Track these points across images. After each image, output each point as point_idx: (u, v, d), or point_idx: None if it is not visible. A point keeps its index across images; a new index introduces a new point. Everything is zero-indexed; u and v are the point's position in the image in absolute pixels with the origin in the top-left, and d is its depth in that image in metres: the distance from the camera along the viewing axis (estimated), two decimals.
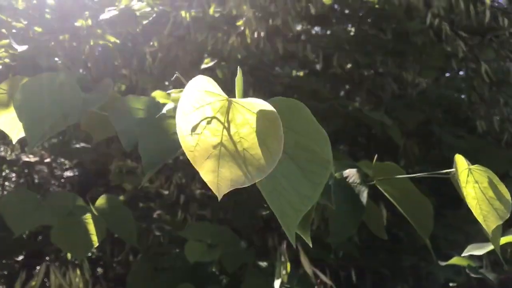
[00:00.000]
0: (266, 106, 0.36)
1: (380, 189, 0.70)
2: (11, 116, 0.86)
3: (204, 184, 1.88)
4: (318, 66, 3.07)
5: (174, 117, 0.69)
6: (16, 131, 0.87)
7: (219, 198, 0.34)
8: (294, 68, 3.51)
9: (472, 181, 0.57)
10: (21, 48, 1.35)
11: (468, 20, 1.78)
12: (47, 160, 2.75)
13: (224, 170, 0.35)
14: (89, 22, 2.05)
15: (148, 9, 1.68)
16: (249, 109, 0.37)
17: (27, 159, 2.25)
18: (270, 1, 2.10)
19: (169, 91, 0.99)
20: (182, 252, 1.86)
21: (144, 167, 0.61)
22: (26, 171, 3.03)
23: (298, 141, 0.42)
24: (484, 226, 0.55)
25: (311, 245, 0.48)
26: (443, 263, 1.16)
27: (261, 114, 0.36)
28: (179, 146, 0.63)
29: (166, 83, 2.34)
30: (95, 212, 0.95)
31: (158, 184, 2.10)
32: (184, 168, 2.28)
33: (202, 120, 0.36)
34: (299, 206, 0.41)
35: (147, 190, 2.15)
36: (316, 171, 0.42)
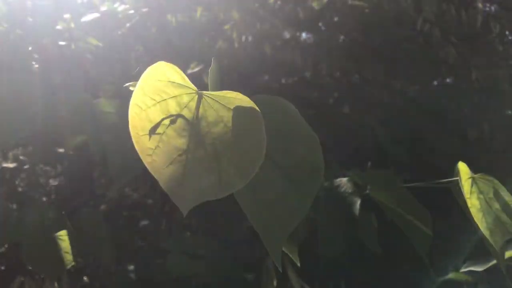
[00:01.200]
0: (245, 101, 0.31)
1: (375, 199, 0.65)
2: None
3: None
4: (307, 74, 3.04)
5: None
6: None
7: (184, 213, 0.28)
8: (282, 76, 3.48)
9: (476, 191, 0.52)
10: None
11: (459, 25, 1.75)
12: (26, 166, 2.66)
13: (192, 179, 0.29)
14: (72, 25, 1.99)
15: (132, 11, 1.62)
16: (224, 104, 0.31)
17: (5, 165, 2.16)
18: (259, 5, 2.06)
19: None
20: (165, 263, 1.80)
21: (114, 179, 0.56)
22: (7, 178, 2.94)
23: (284, 145, 0.36)
24: (490, 240, 0.50)
25: (299, 264, 0.42)
26: (440, 278, 1.11)
27: (239, 111, 0.30)
28: None
29: None
30: (71, 228, 0.88)
31: (142, 193, 2.03)
32: None
33: (164, 118, 0.30)
34: (286, 221, 0.35)
35: (132, 198, 2.08)
36: (305, 180, 0.36)
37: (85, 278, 1.87)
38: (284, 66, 2.80)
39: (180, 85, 0.32)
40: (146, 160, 0.30)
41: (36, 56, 1.53)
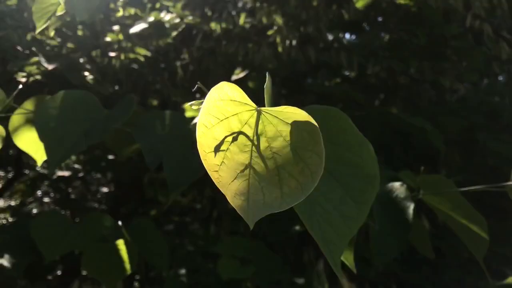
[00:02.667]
0: (302, 115, 0.31)
1: (429, 204, 0.64)
2: (33, 136, 0.84)
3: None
4: (350, 73, 3.00)
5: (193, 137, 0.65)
6: (40, 153, 0.84)
7: (251, 226, 0.29)
8: (326, 78, 3.46)
9: None
10: (50, 66, 1.35)
11: None
12: (81, 174, 2.77)
13: (256, 193, 0.30)
14: (120, 36, 2.05)
15: (178, 20, 1.66)
16: (282, 120, 0.31)
17: (61, 174, 2.26)
18: (301, 9, 2.06)
19: (190, 103, 0.96)
20: (215, 267, 1.82)
21: (169, 187, 0.57)
22: (62, 186, 3.07)
23: (338, 154, 0.36)
24: None
25: (355, 271, 0.42)
26: (497, 283, 1.07)
27: (297, 125, 0.31)
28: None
29: (198, 95, 2.32)
30: (127, 237, 0.91)
31: (191, 198, 2.07)
32: None
33: (228, 135, 0.31)
34: (344, 230, 0.35)
35: (181, 204, 2.13)
36: (360, 188, 0.36)
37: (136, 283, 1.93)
38: (328, 68, 2.79)
39: (241, 103, 0.33)
40: (213, 176, 0.31)
41: (88, 67, 1.60)
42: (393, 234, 0.60)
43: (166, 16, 1.69)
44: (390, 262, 1.73)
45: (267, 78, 0.39)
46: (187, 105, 1.28)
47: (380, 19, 2.36)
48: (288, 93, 3.34)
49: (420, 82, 2.81)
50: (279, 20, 1.87)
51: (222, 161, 0.31)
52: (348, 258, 0.45)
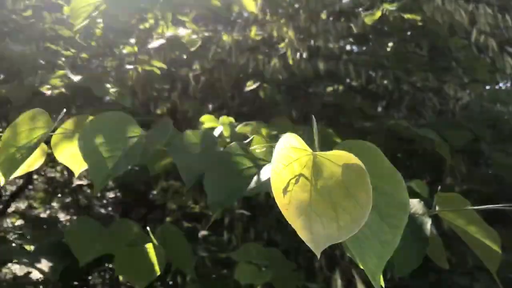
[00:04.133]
0: (351, 158, 0.37)
1: (444, 219, 0.70)
2: (72, 151, 0.90)
3: (246, 206, 1.89)
4: (354, 82, 3.07)
5: (239, 154, 0.72)
6: (78, 166, 0.91)
7: (318, 256, 0.35)
8: (329, 85, 3.52)
9: None
10: (76, 78, 1.42)
11: None
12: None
13: (317, 226, 0.36)
14: (135, 48, 2.12)
15: (194, 36, 1.72)
16: (334, 162, 0.38)
17: (79, 183, 2.33)
18: (310, 22, 2.13)
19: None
20: (228, 273, 1.88)
21: (210, 207, 0.63)
22: (73, 193, 3.13)
23: (374, 185, 0.42)
24: None
25: (383, 286, 0.48)
26: None
27: (347, 167, 0.37)
28: (247, 184, 0.65)
29: (210, 106, 2.39)
30: (155, 241, 0.98)
31: (203, 205, 2.13)
32: None
33: (292, 178, 0.37)
34: (382, 253, 0.42)
35: (192, 210, 2.19)
36: (394, 215, 0.43)
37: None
38: (333, 76, 2.85)
39: (300, 149, 0.39)
40: (284, 214, 0.37)
41: (110, 79, 1.66)
42: (413, 247, 0.66)
43: (182, 32, 1.76)
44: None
45: (312, 121, 0.45)
46: (205, 117, 1.35)
47: (386, 30, 2.42)
48: (293, 99, 3.41)
49: (424, 91, 2.87)
50: (290, 33, 1.94)
51: (290, 201, 0.37)
52: (372, 272, 0.51)
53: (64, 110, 0.82)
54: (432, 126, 2.35)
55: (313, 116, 0.45)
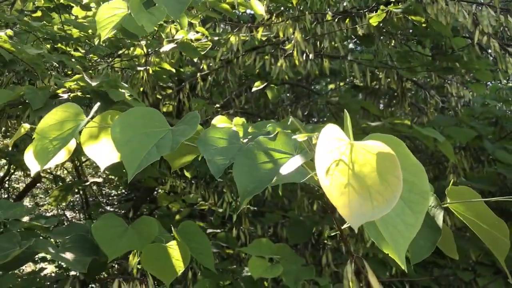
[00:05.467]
0: (384, 148, 0.42)
1: (455, 212, 0.74)
2: (100, 146, 0.95)
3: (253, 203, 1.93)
4: (357, 81, 3.12)
5: (261, 149, 0.76)
6: (103, 161, 0.96)
7: (356, 230, 0.40)
8: (331, 83, 3.58)
9: None
10: (94, 82, 1.46)
11: None
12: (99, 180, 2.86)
13: (354, 205, 0.41)
14: (144, 50, 2.16)
15: (204, 39, 1.77)
16: (369, 151, 0.43)
17: (94, 180, 2.37)
18: (316, 24, 2.18)
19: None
20: (238, 268, 1.93)
21: (240, 195, 0.68)
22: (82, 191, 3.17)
23: None
24: None
25: (405, 268, 0.53)
26: None
27: (380, 155, 0.42)
28: (272, 176, 0.70)
29: (217, 105, 2.44)
30: (178, 238, 1.02)
31: (212, 202, 2.18)
32: (235, 186, 2.36)
33: (332, 163, 0.42)
34: (406, 234, 0.46)
35: (201, 207, 2.23)
36: (417, 201, 0.48)
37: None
38: (339, 76, 2.90)
39: (340, 139, 0.44)
40: (327, 194, 0.42)
41: (125, 85, 1.70)
42: (426, 238, 0.70)
43: (191, 35, 1.80)
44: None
45: (345, 114, 0.49)
46: (220, 118, 1.39)
47: (390, 30, 2.47)
48: (296, 97, 3.47)
49: (426, 88, 2.92)
50: (297, 34, 1.98)
51: (331, 182, 0.42)
52: (397, 256, 0.55)
53: (98, 104, 0.86)
54: (435, 123, 2.41)
55: (346, 111, 0.49)
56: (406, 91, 2.89)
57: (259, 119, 2.36)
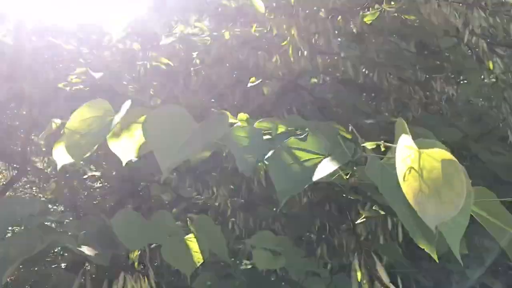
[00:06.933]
0: (447, 155, 0.47)
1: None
2: (122, 143, 0.98)
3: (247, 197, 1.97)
4: (340, 75, 3.17)
5: (293, 149, 0.80)
6: (125, 156, 0.99)
7: (433, 229, 0.45)
8: (314, 76, 3.62)
9: None
10: (97, 75, 1.47)
11: (507, 38, 1.88)
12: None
13: (427, 208, 0.46)
14: (138, 46, 2.16)
15: (203, 35, 1.79)
16: (435, 158, 0.47)
17: (91, 174, 2.37)
18: (310, 22, 2.21)
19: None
20: (235, 261, 1.97)
21: (279, 195, 0.72)
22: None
23: None
24: None
25: (436, 257, 0.58)
26: None
27: (444, 162, 0.47)
28: (308, 176, 0.74)
29: (212, 100, 2.45)
30: (195, 231, 1.06)
31: (208, 196, 2.21)
32: (228, 180, 2.39)
33: (406, 169, 0.47)
34: (457, 231, 0.52)
35: (196, 202, 2.26)
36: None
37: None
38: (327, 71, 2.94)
39: (411, 147, 0.49)
40: (408, 198, 0.47)
41: (128, 77, 1.71)
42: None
43: (188, 30, 1.82)
44: (395, 256, 1.90)
45: (402, 124, 0.54)
46: (241, 115, 1.39)
47: (381, 28, 2.52)
48: (283, 92, 3.50)
49: (410, 84, 2.99)
50: (293, 31, 2.02)
51: (407, 188, 0.47)
52: (429, 249, 0.61)
53: (129, 101, 0.89)
54: (420, 121, 2.48)
55: (401, 120, 0.54)
56: (392, 88, 2.95)
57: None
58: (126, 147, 0.98)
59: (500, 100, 2.49)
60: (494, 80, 2.42)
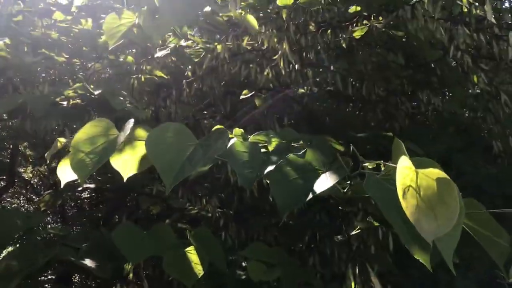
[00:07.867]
0: (441, 174, 0.51)
1: None
2: (123, 158, 1.01)
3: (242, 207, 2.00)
4: (329, 87, 3.22)
5: (292, 165, 0.84)
6: (126, 171, 1.02)
7: (429, 241, 0.49)
8: (301, 87, 3.67)
9: None
10: (97, 91, 1.49)
11: (491, 50, 1.95)
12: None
13: (424, 224, 0.49)
14: (131, 58, 2.19)
15: (197, 46, 1.83)
16: (430, 177, 0.51)
17: (86, 186, 2.38)
18: (299, 35, 2.26)
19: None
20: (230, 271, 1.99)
21: (280, 210, 0.75)
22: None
23: None
24: None
25: (430, 269, 0.62)
26: None
27: (439, 180, 0.51)
28: (308, 191, 0.78)
29: (205, 112, 2.49)
30: (195, 244, 1.09)
31: (200, 206, 2.23)
32: (221, 190, 2.42)
33: (404, 188, 0.51)
34: (451, 243, 0.56)
35: (189, 212, 2.28)
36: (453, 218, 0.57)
37: None
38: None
39: (409, 167, 0.52)
40: (407, 214, 0.50)
41: (125, 93, 1.73)
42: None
43: (184, 43, 1.85)
44: (387, 264, 1.94)
45: (396, 141, 0.58)
46: (236, 130, 1.44)
47: (369, 42, 2.59)
48: (273, 103, 3.54)
49: (397, 94, 3.06)
50: (285, 45, 2.07)
51: (406, 205, 0.50)
52: (423, 259, 0.64)
53: (132, 120, 0.91)
54: (406, 133, 2.54)
55: (397, 140, 0.58)
56: (379, 98, 3.01)
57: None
58: (127, 163, 1.01)
59: (485, 110, 2.56)
60: (479, 91, 2.49)
